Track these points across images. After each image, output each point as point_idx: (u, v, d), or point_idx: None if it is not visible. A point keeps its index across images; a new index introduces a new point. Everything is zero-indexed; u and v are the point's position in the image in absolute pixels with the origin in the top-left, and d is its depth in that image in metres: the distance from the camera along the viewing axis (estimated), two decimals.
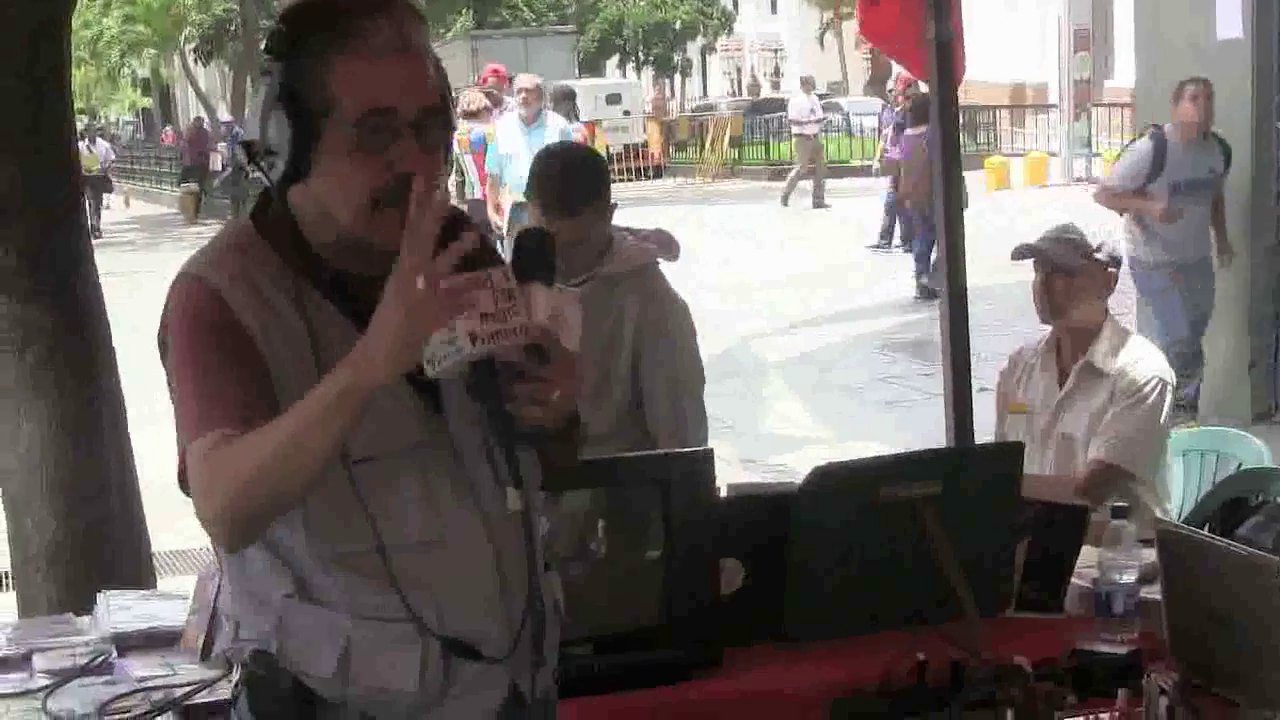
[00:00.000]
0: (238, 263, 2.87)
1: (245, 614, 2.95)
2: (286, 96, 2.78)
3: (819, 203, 30.41)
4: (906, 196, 18.56)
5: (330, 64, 2.77)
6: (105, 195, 36.68)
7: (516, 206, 14.41)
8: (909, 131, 19.08)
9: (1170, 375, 5.69)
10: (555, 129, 15.32)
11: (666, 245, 5.19)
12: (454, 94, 3.05)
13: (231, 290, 2.82)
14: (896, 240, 23.27)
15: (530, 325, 2.67)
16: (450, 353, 2.62)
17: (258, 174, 2.90)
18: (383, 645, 2.87)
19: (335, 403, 2.62)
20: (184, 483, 2.82)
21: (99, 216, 34.29)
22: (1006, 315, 13.40)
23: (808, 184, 30.95)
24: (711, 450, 3.93)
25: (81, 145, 33.38)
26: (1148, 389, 5.60)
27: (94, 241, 20.44)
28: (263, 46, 2.94)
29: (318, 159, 2.80)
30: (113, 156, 42.35)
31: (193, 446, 2.75)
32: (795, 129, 32.26)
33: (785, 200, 30.77)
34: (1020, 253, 5.83)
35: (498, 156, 15.45)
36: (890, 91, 27.49)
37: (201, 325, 2.82)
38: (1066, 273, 5.68)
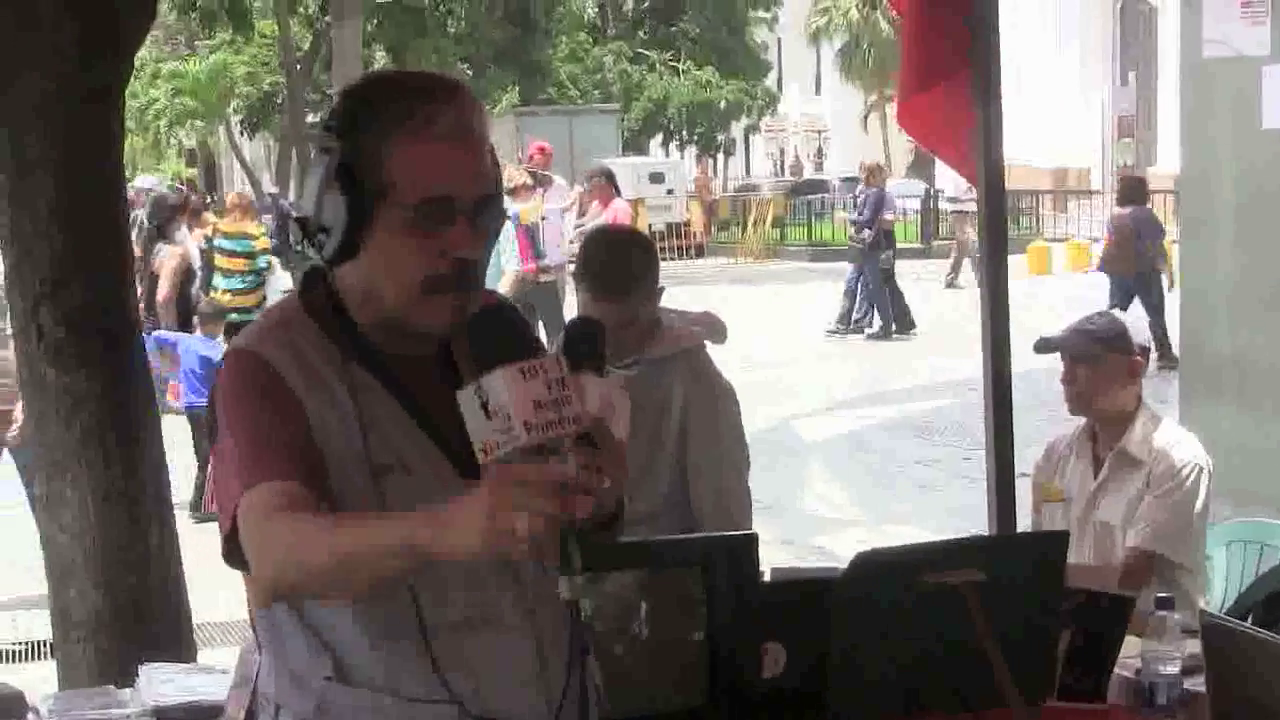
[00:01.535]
0: (287, 338, 2.89)
1: (286, 696, 2.94)
2: (344, 175, 2.79)
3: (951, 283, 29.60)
4: (1114, 271, 19.33)
5: (391, 146, 2.79)
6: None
7: None
8: (1116, 210, 20.35)
9: (1206, 461, 5.67)
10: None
11: (713, 327, 5.22)
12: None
13: (282, 361, 2.84)
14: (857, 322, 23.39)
15: (583, 414, 2.66)
16: (504, 440, 2.62)
17: (303, 247, 2.94)
18: None
19: (401, 553, 2.60)
20: (228, 549, 2.81)
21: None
22: (1047, 399, 13.34)
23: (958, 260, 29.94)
24: (755, 534, 3.94)
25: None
26: (1184, 474, 5.58)
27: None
28: (322, 123, 2.96)
29: (369, 239, 2.82)
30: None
31: (244, 498, 2.74)
32: (952, 206, 31.25)
33: (951, 283, 29.65)
34: (1041, 346, 5.83)
35: None
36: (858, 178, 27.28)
37: (252, 389, 2.84)
38: (1088, 363, 5.68)
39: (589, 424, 2.68)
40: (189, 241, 13.11)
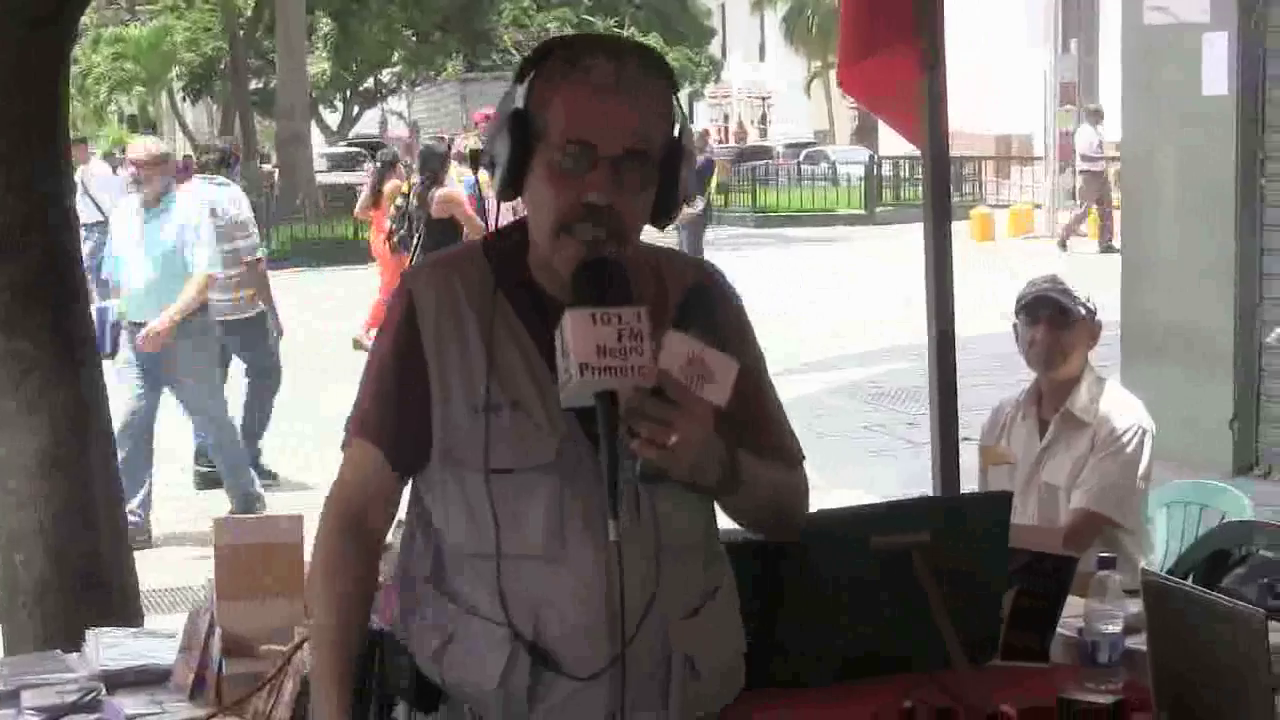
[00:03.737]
0: (446, 274, 3.13)
1: (406, 598, 3.17)
2: (514, 115, 2.98)
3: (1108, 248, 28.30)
4: None
5: (551, 92, 2.97)
6: None
7: (136, 327, 10.39)
8: None
9: (1149, 423, 5.70)
10: (191, 213, 10.69)
11: None
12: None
13: (426, 300, 3.09)
14: None
15: (647, 366, 2.75)
16: (565, 380, 2.77)
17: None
18: (479, 642, 3.02)
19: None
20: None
21: None
22: (987, 366, 13.42)
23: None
24: None
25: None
26: (1127, 437, 5.62)
27: None
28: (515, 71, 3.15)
29: (529, 179, 3.00)
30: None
31: (347, 450, 3.17)
32: (1084, 165, 30.07)
33: (1064, 244, 29.33)
34: (1029, 303, 5.75)
35: (109, 257, 11.14)
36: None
37: (387, 333, 3.14)
38: (1066, 323, 5.68)
39: (652, 375, 2.77)
40: (456, 185, 14.15)
